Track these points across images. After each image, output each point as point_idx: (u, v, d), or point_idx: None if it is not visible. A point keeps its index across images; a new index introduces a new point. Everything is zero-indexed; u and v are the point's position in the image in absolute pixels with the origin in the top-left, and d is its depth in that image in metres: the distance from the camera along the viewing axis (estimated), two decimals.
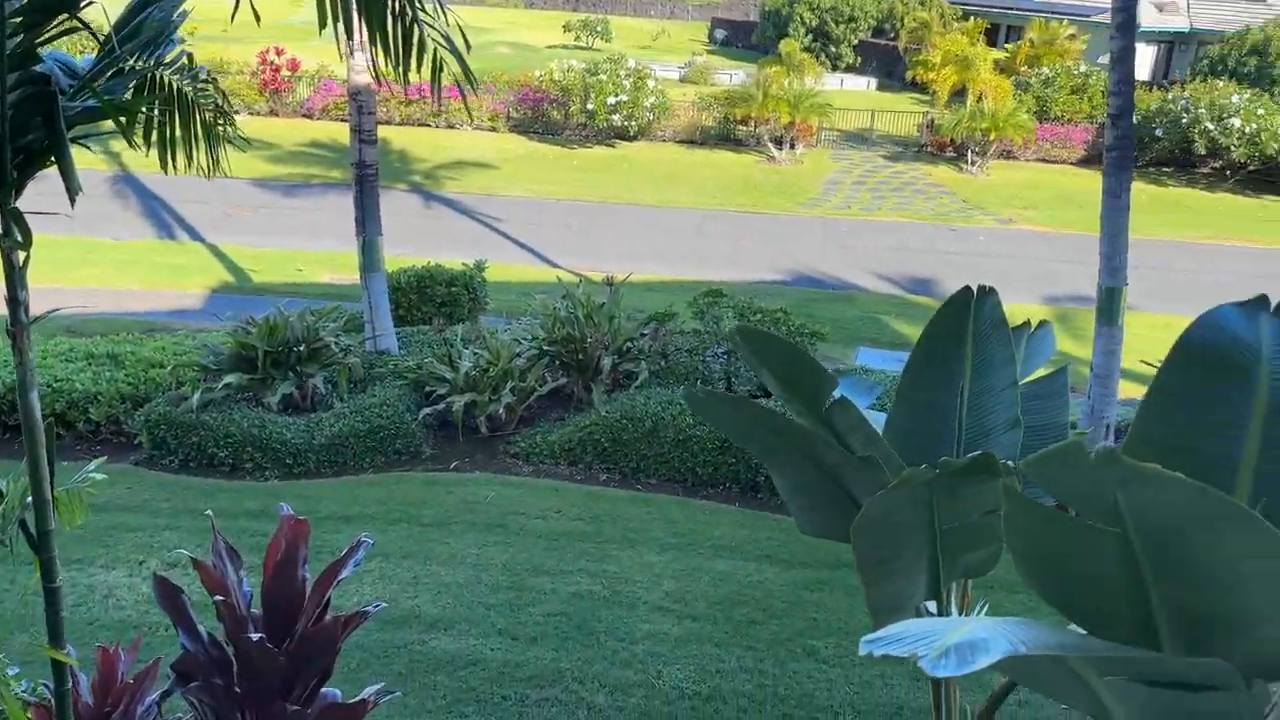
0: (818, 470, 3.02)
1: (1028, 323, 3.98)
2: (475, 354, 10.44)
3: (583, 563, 8.08)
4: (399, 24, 4.10)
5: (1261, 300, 2.24)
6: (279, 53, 27.00)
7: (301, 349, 10.17)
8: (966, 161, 26.11)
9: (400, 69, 4.14)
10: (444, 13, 4.39)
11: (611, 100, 25.39)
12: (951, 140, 26.57)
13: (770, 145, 26.41)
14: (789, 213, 22.06)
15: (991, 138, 25.48)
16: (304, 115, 27.17)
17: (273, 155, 23.34)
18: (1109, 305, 9.35)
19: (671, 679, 6.69)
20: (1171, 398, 2.14)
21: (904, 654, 1.55)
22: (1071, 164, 26.91)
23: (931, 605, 3.67)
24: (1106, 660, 1.70)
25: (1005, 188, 24.69)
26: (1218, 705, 1.77)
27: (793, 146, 26.73)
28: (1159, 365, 2.23)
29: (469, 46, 4.23)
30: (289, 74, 27.24)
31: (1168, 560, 1.74)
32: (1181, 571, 1.75)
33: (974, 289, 3.49)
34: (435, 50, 4.27)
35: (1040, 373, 3.79)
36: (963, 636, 1.54)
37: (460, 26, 4.39)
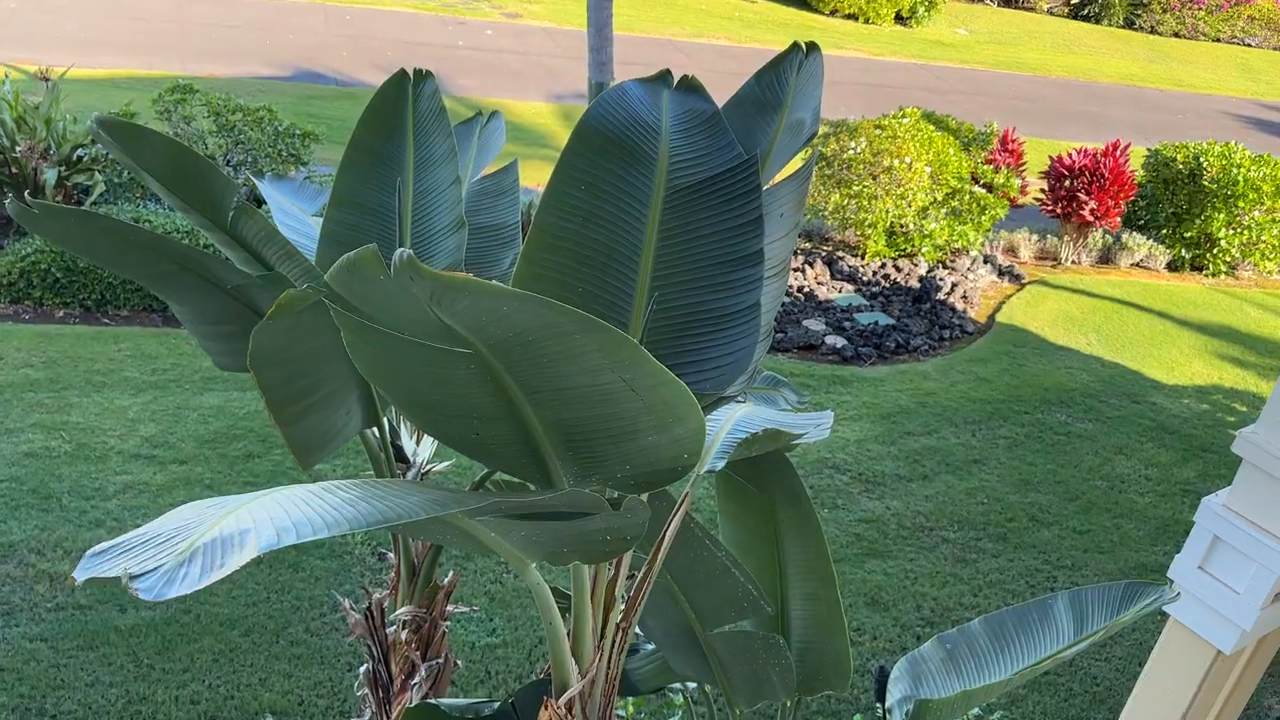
0: (223, 294, 2.51)
1: (479, 114, 3.67)
2: None
3: (36, 416, 6.84)
4: None
5: (663, 75, 2.08)
6: None
7: None
8: None
9: None
10: None
11: None
12: None
13: None
14: None
15: None
16: None
17: None
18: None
19: None
20: (573, 185, 1.93)
21: (122, 572, 1.17)
22: None
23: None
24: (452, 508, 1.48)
25: None
26: (603, 524, 1.67)
27: None
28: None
29: None
30: None
31: (529, 376, 1.55)
32: (545, 386, 1.57)
33: (409, 73, 3.07)
34: None
35: (492, 169, 3.53)
36: (224, 529, 1.22)
37: None
